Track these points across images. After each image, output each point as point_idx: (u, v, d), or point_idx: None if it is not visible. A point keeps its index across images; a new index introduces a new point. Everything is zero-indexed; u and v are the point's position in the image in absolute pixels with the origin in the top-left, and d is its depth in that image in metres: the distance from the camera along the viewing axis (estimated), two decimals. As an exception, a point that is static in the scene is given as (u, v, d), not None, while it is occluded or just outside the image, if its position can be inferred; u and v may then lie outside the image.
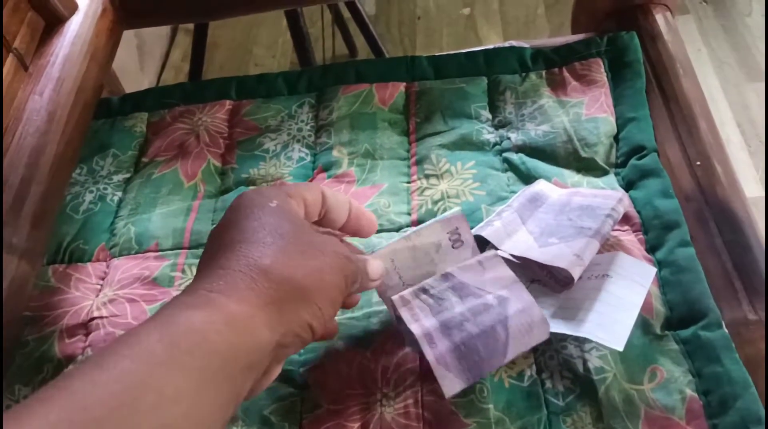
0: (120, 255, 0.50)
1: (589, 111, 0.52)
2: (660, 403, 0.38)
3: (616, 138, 0.52)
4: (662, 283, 0.43)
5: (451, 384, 0.37)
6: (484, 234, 0.44)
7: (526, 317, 0.38)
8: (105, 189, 0.55)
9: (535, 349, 0.41)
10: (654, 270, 0.41)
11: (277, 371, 0.35)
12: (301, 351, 0.43)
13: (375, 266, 0.38)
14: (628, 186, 0.49)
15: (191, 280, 0.31)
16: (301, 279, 0.31)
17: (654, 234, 0.45)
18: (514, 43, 0.60)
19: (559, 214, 0.44)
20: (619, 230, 0.46)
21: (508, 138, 0.53)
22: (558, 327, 0.39)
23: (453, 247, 0.41)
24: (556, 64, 0.57)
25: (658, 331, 0.41)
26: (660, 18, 0.57)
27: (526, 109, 0.54)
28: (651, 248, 0.45)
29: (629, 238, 0.45)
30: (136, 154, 0.58)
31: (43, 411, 0.23)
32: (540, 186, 0.48)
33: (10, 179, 0.50)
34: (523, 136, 0.52)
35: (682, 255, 0.43)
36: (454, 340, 0.37)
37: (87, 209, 0.54)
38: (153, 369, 0.25)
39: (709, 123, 0.50)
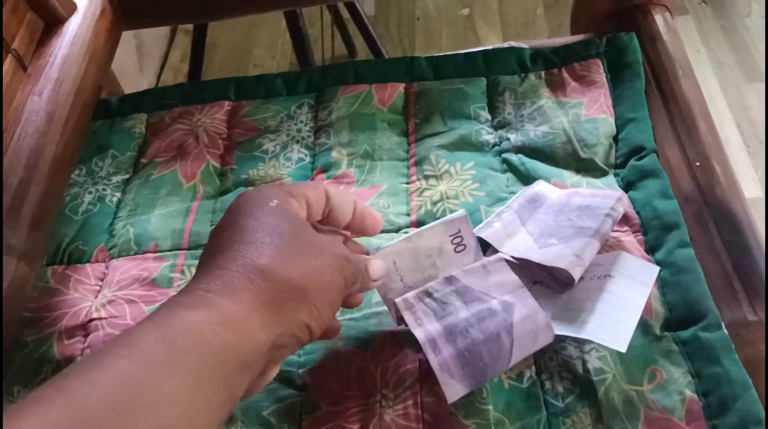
0: (119, 256, 0.50)
1: (588, 112, 0.52)
2: (660, 404, 0.38)
3: (615, 139, 0.52)
4: (662, 283, 0.43)
5: (454, 390, 0.37)
6: (483, 235, 0.44)
7: (531, 323, 0.38)
8: (104, 190, 0.55)
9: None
10: (657, 269, 0.41)
11: (274, 372, 0.35)
12: (301, 352, 0.43)
13: (376, 266, 0.38)
14: (627, 187, 0.49)
15: (190, 280, 0.31)
16: (298, 279, 0.31)
17: (653, 235, 0.45)
18: (513, 43, 0.60)
19: (558, 215, 0.44)
20: (619, 231, 0.46)
21: (508, 139, 0.53)
22: (560, 329, 0.38)
23: (455, 252, 0.41)
24: (555, 65, 0.57)
25: (657, 332, 0.41)
26: (659, 19, 0.57)
27: (525, 110, 0.54)
28: (650, 249, 0.45)
29: (629, 238, 0.45)
30: (135, 154, 0.58)
31: (41, 411, 0.23)
32: (539, 187, 0.48)
33: (9, 180, 0.50)
34: (523, 136, 0.52)
35: (682, 256, 0.43)
36: (458, 346, 0.37)
37: (86, 210, 0.54)
38: (150, 369, 0.25)
39: (708, 124, 0.50)
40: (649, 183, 0.48)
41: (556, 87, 0.55)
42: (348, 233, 0.40)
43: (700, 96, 0.52)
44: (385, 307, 0.43)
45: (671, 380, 0.39)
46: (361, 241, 0.47)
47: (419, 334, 0.38)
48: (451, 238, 0.41)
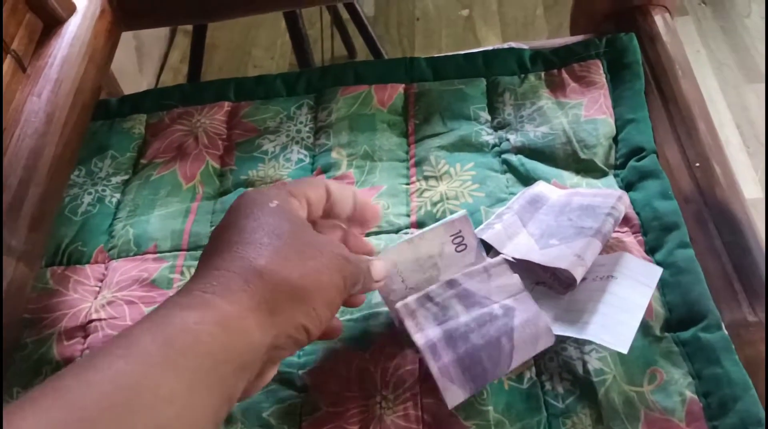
0: (118, 257, 0.50)
1: (588, 112, 0.52)
2: (660, 405, 0.38)
3: (615, 139, 0.52)
4: (662, 284, 0.43)
5: (454, 395, 0.37)
6: (484, 237, 0.43)
7: (532, 328, 0.38)
8: (103, 191, 0.55)
9: (534, 351, 0.41)
10: (659, 270, 0.41)
11: (272, 373, 0.35)
12: (300, 353, 0.43)
13: (378, 267, 0.38)
14: (627, 187, 0.49)
15: (188, 280, 0.31)
16: (296, 280, 0.31)
17: (653, 235, 0.45)
18: (513, 44, 0.60)
19: (559, 215, 0.44)
20: (619, 232, 0.46)
21: (507, 139, 0.53)
22: (562, 330, 0.38)
23: (457, 251, 0.41)
24: (555, 66, 0.57)
25: (657, 332, 0.41)
26: (659, 19, 0.57)
27: (525, 111, 0.54)
28: (650, 250, 0.45)
29: (629, 239, 0.45)
30: (134, 155, 0.58)
31: (38, 411, 0.23)
32: (539, 187, 0.48)
33: (8, 181, 0.49)
34: (522, 137, 0.52)
35: (682, 256, 0.43)
36: (458, 351, 0.37)
37: (85, 211, 0.54)
38: (147, 369, 0.25)
39: (708, 124, 0.50)
40: (649, 184, 0.48)
41: (556, 88, 0.55)
42: (344, 226, 0.40)
43: (700, 97, 0.52)
44: (386, 308, 0.43)
45: (671, 381, 0.39)
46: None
47: (419, 339, 0.38)
48: (452, 238, 0.41)
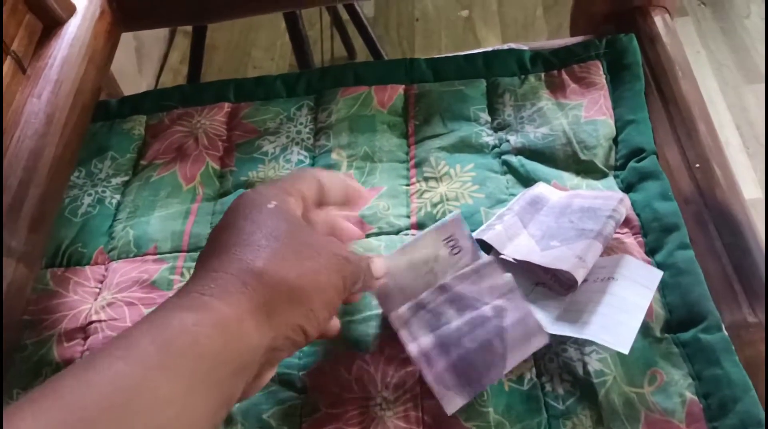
0: (119, 258, 0.50)
1: (588, 113, 0.52)
2: (660, 407, 0.38)
3: (615, 140, 0.52)
4: (662, 285, 0.43)
5: (451, 401, 0.37)
6: (485, 238, 0.43)
7: (524, 327, 0.38)
8: (103, 192, 0.55)
9: (534, 353, 0.41)
10: (660, 273, 0.41)
11: (269, 374, 0.35)
12: (300, 355, 0.43)
13: (378, 264, 0.38)
14: (627, 188, 0.49)
15: (187, 281, 0.31)
16: (294, 281, 0.31)
17: (653, 237, 0.45)
18: (513, 45, 0.60)
19: (560, 217, 0.44)
20: (619, 233, 0.46)
21: (507, 140, 0.53)
22: (563, 330, 0.38)
23: (452, 254, 0.41)
24: (554, 67, 0.57)
25: (657, 333, 0.41)
26: (659, 20, 0.57)
27: (525, 112, 0.54)
28: (650, 251, 0.45)
29: (629, 240, 0.45)
30: (134, 156, 0.58)
31: (37, 412, 0.23)
32: (540, 189, 0.48)
33: (8, 182, 0.49)
34: (522, 138, 0.52)
35: (682, 258, 0.43)
36: (451, 357, 0.38)
37: (85, 212, 0.54)
38: (146, 371, 0.25)
39: (708, 125, 0.50)
40: (649, 185, 0.48)
41: (556, 89, 0.55)
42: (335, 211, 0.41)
43: (700, 98, 0.52)
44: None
45: (671, 382, 0.39)
46: (361, 244, 0.47)
47: (413, 350, 0.38)
48: (445, 241, 0.41)
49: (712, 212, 0.45)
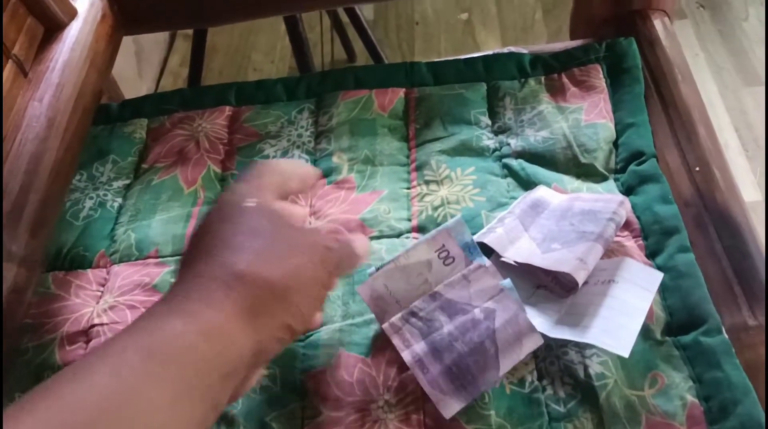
0: (120, 261, 0.50)
1: (588, 117, 0.53)
2: (661, 409, 0.38)
3: (615, 144, 0.52)
4: (662, 288, 0.43)
5: (448, 406, 0.37)
6: (486, 241, 0.44)
7: (514, 327, 0.39)
8: (105, 195, 0.55)
9: (535, 355, 0.41)
10: (660, 275, 0.41)
11: (257, 376, 0.35)
12: (302, 358, 0.43)
13: (360, 242, 0.37)
14: (627, 192, 0.49)
15: (171, 287, 0.31)
16: (279, 280, 0.31)
17: (654, 239, 0.45)
18: (513, 49, 0.60)
19: (560, 220, 0.44)
20: (619, 236, 0.46)
21: (508, 144, 0.53)
22: (563, 333, 0.39)
23: (444, 265, 0.42)
24: (555, 70, 0.57)
25: (658, 336, 0.41)
26: (658, 24, 0.57)
27: (525, 115, 0.54)
28: (651, 254, 0.45)
29: (629, 243, 0.45)
30: (135, 160, 0.58)
31: (13, 426, 0.23)
32: (540, 192, 0.48)
33: (9, 186, 0.49)
34: (523, 141, 0.52)
35: (682, 260, 0.43)
36: (444, 362, 0.38)
37: (87, 215, 0.54)
38: (130, 380, 0.25)
39: (707, 128, 0.50)
40: (649, 188, 0.48)
41: (556, 92, 0.56)
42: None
43: (700, 101, 0.52)
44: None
45: (672, 385, 0.39)
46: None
47: (406, 356, 0.39)
48: (437, 252, 0.42)
49: (712, 215, 0.45)
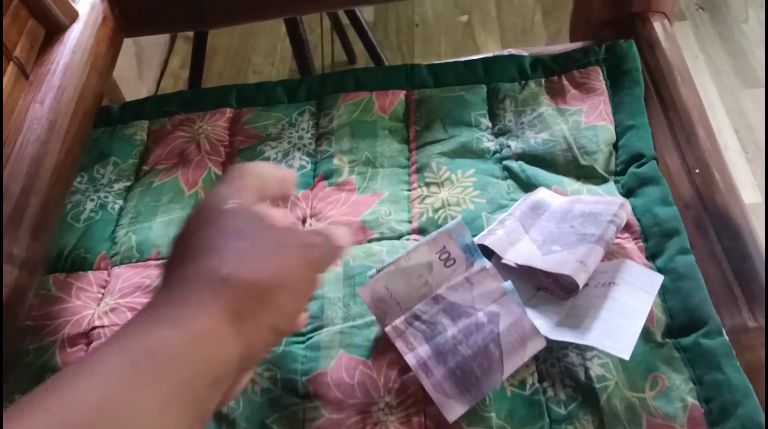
0: (121, 263, 0.50)
1: (588, 119, 0.53)
2: (661, 411, 0.38)
3: (615, 146, 0.52)
4: (662, 290, 0.43)
5: (452, 409, 0.37)
6: (486, 243, 0.44)
7: (518, 330, 0.38)
8: (106, 197, 0.55)
9: (536, 357, 0.41)
10: (661, 277, 0.41)
11: (246, 379, 0.34)
12: (303, 360, 0.43)
13: (341, 233, 0.37)
14: (627, 194, 0.49)
15: (155, 292, 0.31)
16: (264, 282, 0.30)
17: (654, 241, 0.45)
18: (513, 51, 0.60)
19: (561, 222, 0.44)
20: (620, 238, 0.46)
21: (508, 146, 0.53)
22: (564, 335, 0.39)
23: (445, 267, 0.42)
24: (555, 72, 0.57)
25: (659, 338, 0.41)
26: (658, 26, 0.58)
27: (525, 117, 0.54)
28: (651, 256, 0.45)
29: (630, 245, 0.46)
30: (136, 162, 0.58)
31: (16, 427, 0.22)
32: (541, 194, 0.48)
33: (10, 188, 0.50)
34: (523, 143, 0.52)
35: (682, 262, 0.44)
36: (449, 365, 0.38)
37: (88, 217, 0.54)
38: (117, 388, 0.25)
39: (707, 130, 0.50)
40: (649, 190, 0.48)
41: (556, 94, 0.56)
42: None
43: (699, 103, 0.52)
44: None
45: (673, 387, 0.39)
46: (363, 249, 0.48)
47: (410, 360, 0.39)
48: (438, 254, 0.42)
49: (712, 217, 0.45)
